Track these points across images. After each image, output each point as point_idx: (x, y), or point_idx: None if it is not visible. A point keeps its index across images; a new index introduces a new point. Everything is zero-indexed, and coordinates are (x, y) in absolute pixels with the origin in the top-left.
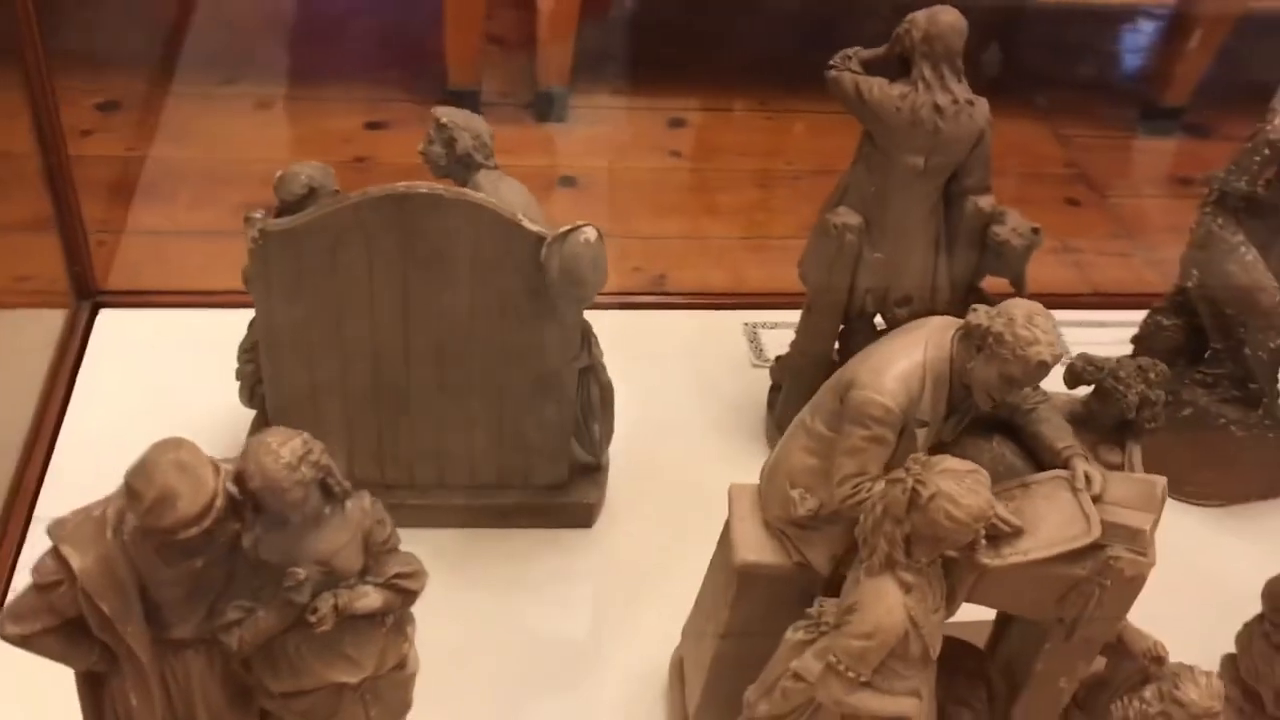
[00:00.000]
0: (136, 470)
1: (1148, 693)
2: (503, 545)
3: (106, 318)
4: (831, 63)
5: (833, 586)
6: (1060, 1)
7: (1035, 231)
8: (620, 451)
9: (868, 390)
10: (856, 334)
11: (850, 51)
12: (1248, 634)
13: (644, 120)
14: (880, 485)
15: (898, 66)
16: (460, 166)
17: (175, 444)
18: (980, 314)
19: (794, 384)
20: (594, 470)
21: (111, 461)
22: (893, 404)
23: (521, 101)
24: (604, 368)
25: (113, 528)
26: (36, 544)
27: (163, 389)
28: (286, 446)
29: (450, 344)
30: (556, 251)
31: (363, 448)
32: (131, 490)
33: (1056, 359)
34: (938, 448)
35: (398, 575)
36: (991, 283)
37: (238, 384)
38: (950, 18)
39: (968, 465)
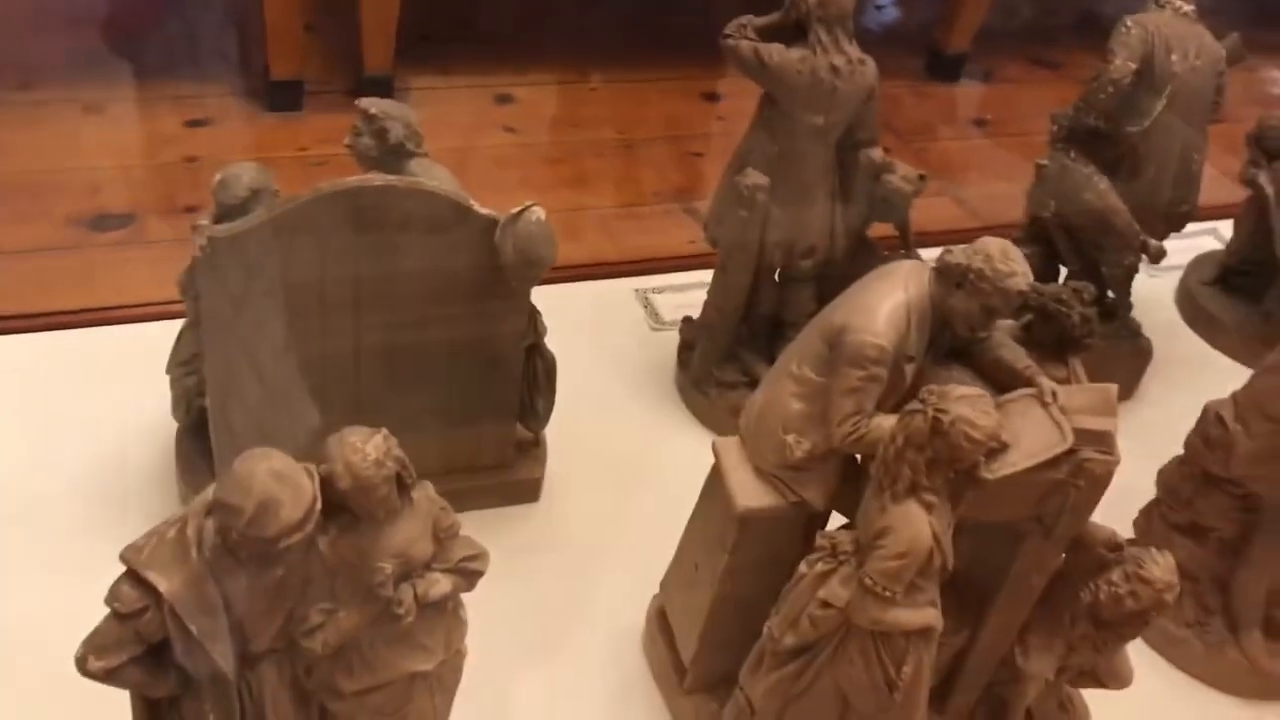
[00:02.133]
0: (230, 485)
1: (1115, 576)
2: None
3: None
4: (727, 32)
5: (821, 520)
6: None
7: (922, 178)
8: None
9: (862, 334)
10: (763, 288)
11: (744, 20)
12: (1146, 519)
13: (472, 99)
14: (878, 420)
15: (790, 32)
16: (393, 157)
17: (265, 454)
18: (957, 253)
19: (709, 341)
20: (533, 445)
21: (18, 500)
22: (886, 343)
23: (345, 88)
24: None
25: (196, 547)
26: None
27: (56, 417)
28: (370, 444)
29: (401, 338)
30: (510, 233)
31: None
32: (228, 505)
33: (1031, 288)
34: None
35: (464, 559)
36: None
37: (173, 398)
38: None
39: (975, 390)
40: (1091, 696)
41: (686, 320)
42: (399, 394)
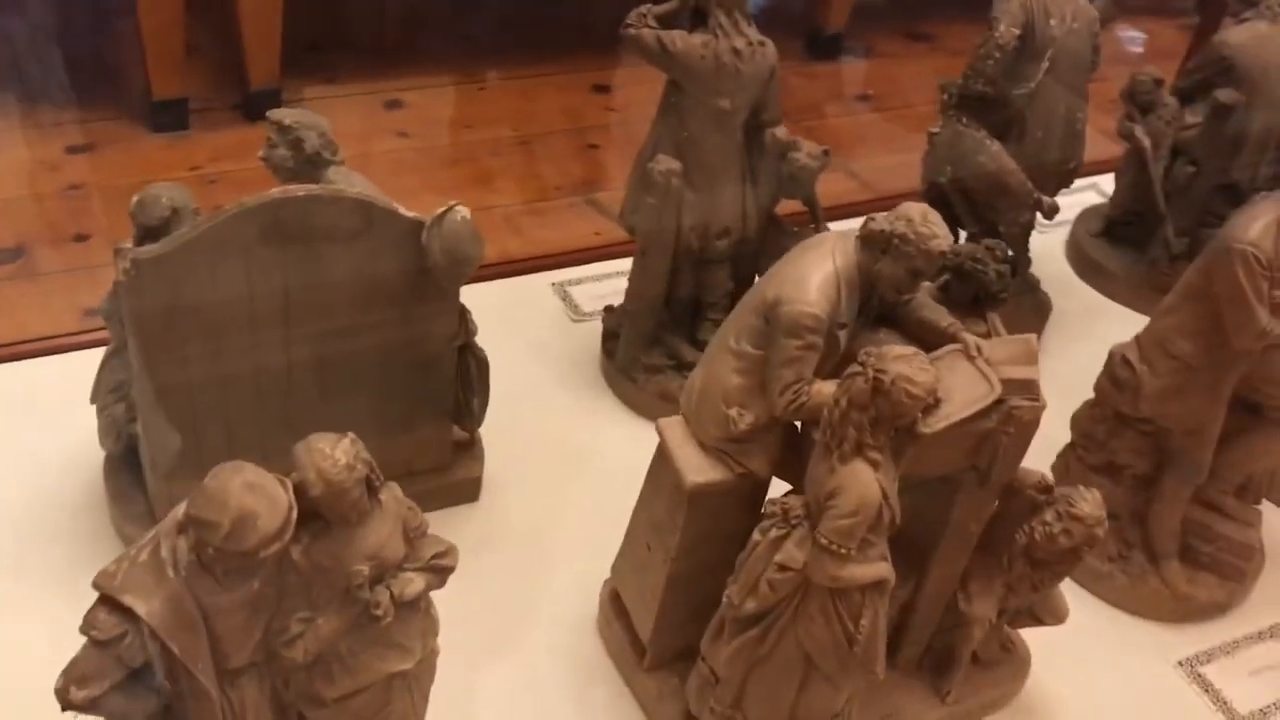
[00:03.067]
0: (203, 501)
1: (1048, 516)
2: None
3: None
4: (628, 22)
5: (763, 489)
6: None
7: (825, 153)
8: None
9: (797, 305)
10: (681, 271)
11: (644, 9)
12: (1063, 462)
13: (362, 106)
14: (817, 386)
15: (688, 18)
16: (310, 166)
17: (236, 468)
18: (879, 220)
19: (633, 328)
20: (469, 445)
21: None
22: (820, 312)
23: (231, 103)
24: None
25: (172, 566)
26: None
27: None
28: (339, 448)
29: (332, 347)
30: (436, 233)
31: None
32: (204, 521)
33: (951, 249)
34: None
35: (434, 556)
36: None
37: (101, 427)
38: None
39: (909, 349)
40: (1028, 634)
41: (608, 309)
42: (333, 403)
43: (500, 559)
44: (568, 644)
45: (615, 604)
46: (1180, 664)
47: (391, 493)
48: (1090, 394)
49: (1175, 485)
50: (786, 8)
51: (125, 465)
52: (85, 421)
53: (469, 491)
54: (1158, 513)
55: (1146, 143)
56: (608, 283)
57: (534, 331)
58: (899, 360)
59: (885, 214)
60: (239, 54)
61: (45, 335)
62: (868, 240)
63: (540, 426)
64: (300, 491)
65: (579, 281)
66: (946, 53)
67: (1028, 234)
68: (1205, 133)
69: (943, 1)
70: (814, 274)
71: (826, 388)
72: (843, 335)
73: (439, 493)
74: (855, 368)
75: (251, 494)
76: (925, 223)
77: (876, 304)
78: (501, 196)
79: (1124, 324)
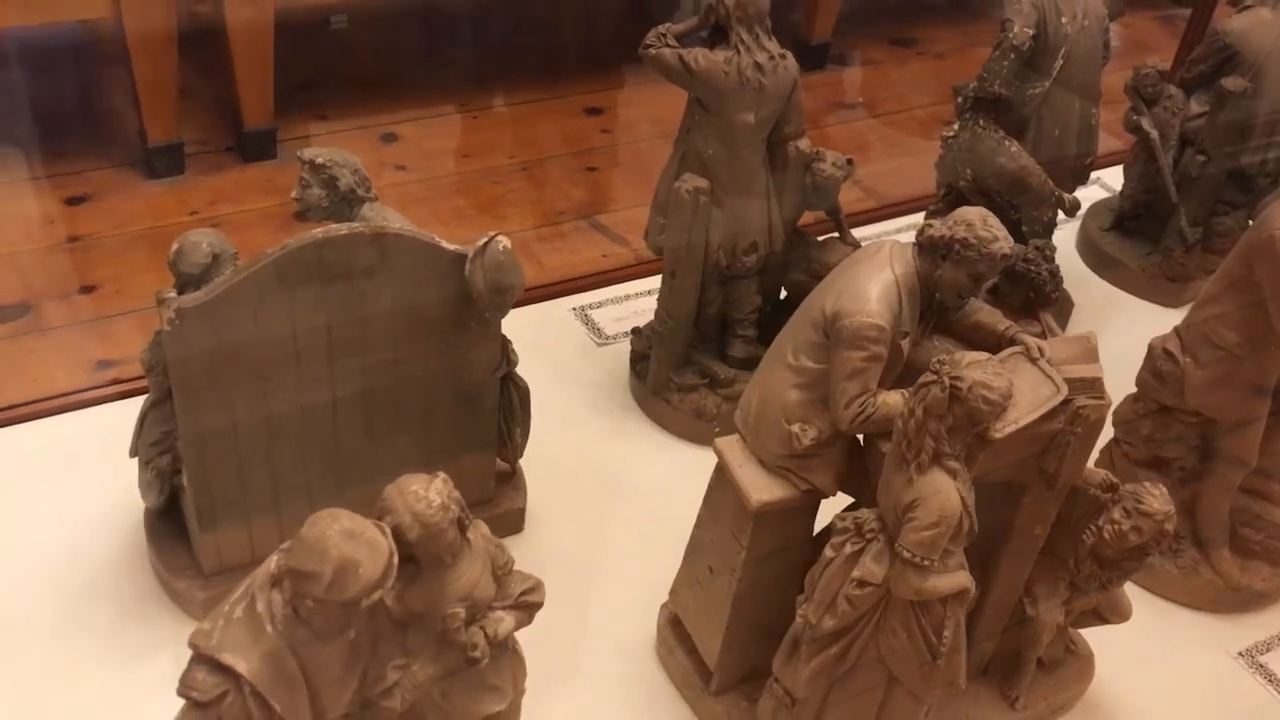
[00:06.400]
0: (302, 551)
1: (1116, 514)
2: None
3: None
4: (647, 42)
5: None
6: None
7: (850, 162)
8: None
9: (859, 316)
10: (709, 289)
11: (663, 29)
12: (1108, 457)
13: (357, 141)
14: (883, 397)
15: (706, 35)
16: (344, 205)
17: (332, 515)
18: (937, 226)
19: (665, 348)
20: (511, 475)
21: None
22: (883, 322)
23: (227, 145)
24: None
25: (269, 621)
26: None
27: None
28: (432, 489)
29: (377, 385)
30: (479, 265)
31: (293, 514)
32: (304, 572)
33: (1014, 250)
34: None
35: (523, 593)
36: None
37: (144, 481)
38: None
39: (982, 355)
40: (1085, 633)
41: (635, 331)
42: (378, 439)
43: (551, 589)
44: (629, 672)
45: (675, 629)
46: (1241, 655)
47: (479, 531)
48: (1123, 387)
49: (1223, 475)
50: (772, 20)
51: (165, 519)
52: (115, 477)
53: (513, 523)
54: (1206, 503)
55: (1154, 134)
56: (627, 304)
57: (561, 358)
58: (973, 367)
59: (941, 220)
60: (232, 95)
61: (62, 392)
62: (927, 247)
63: (577, 453)
64: (396, 536)
65: (599, 305)
66: (931, 57)
67: (1050, 232)
68: (1211, 121)
69: (924, 7)
70: (873, 284)
71: (893, 398)
72: (905, 344)
73: None
74: (929, 377)
75: (351, 541)
76: (986, 226)
77: (935, 310)
78: (510, 224)
79: (1143, 315)
